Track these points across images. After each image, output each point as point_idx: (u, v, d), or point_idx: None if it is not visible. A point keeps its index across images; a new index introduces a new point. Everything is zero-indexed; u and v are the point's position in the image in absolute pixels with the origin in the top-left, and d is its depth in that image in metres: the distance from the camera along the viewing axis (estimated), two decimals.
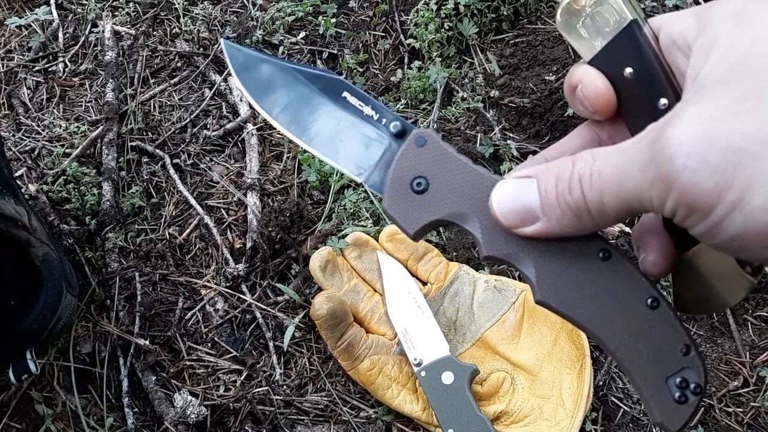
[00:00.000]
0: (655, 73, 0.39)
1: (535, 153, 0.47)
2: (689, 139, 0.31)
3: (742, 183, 0.29)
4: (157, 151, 1.07)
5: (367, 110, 0.47)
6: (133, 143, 1.08)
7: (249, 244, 0.97)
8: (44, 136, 1.08)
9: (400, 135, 0.46)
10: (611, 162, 0.35)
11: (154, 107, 1.13)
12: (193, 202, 1.02)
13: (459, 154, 0.44)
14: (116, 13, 1.25)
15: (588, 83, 0.42)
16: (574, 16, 0.42)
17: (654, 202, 0.33)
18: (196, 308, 0.93)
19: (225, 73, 1.17)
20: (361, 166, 0.46)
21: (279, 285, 0.93)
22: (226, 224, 1.01)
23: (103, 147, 1.05)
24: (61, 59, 1.19)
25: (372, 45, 1.23)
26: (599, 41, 0.42)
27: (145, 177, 1.04)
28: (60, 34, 1.22)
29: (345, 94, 0.48)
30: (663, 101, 0.39)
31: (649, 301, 0.40)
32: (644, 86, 0.40)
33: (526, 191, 0.39)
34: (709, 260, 0.40)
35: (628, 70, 0.40)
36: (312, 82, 0.48)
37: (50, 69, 1.18)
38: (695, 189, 0.31)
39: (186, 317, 0.92)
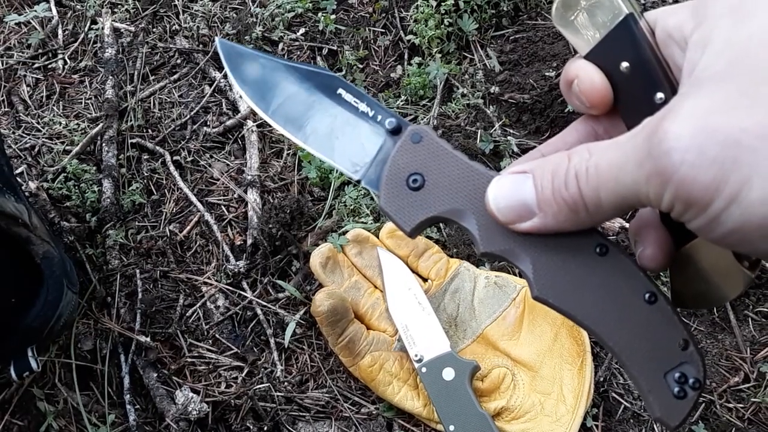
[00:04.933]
0: (652, 67, 0.39)
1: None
2: (686, 133, 0.31)
3: (740, 177, 0.29)
4: (157, 148, 1.07)
5: (363, 107, 0.47)
6: (133, 140, 1.08)
7: (249, 241, 0.97)
8: (44, 134, 1.08)
9: (396, 132, 0.46)
10: (607, 156, 0.35)
11: (154, 104, 1.13)
12: (193, 199, 1.02)
13: (455, 150, 0.44)
14: (116, 10, 1.25)
15: (584, 78, 0.42)
16: (570, 10, 0.42)
17: (651, 196, 0.33)
18: (197, 305, 0.93)
19: (225, 69, 1.17)
20: (357, 163, 0.46)
21: (280, 282, 0.93)
22: (226, 221, 1.01)
23: (103, 144, 1.05)
24: (60, 56, 1.19)
25: (372, 41, 1.23)
26: (595, 36, 0.41)
27: (146, 174, 1.04)
28: (59, 31, 1.22)
29: (340, 90, 0.47)
30: (659, 95, 0.39)
31: (647, 296, 0.40)
32: (640, 80, 0.40)
33: (522, 187, 0.39)
34: (707, 254, 0.40)
35: (624, 65, 0.40)
36: (307, 79, 0.48)
37: (50, 66, 1.18)
38: (693, 183, 0.30)
39: (187, 314, 0.92)
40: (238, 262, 0.95)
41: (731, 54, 0.33)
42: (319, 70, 0.48)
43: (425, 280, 0.93)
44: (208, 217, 1.00)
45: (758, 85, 0.31)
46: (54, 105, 1.13)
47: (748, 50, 0.32)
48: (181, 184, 1.03)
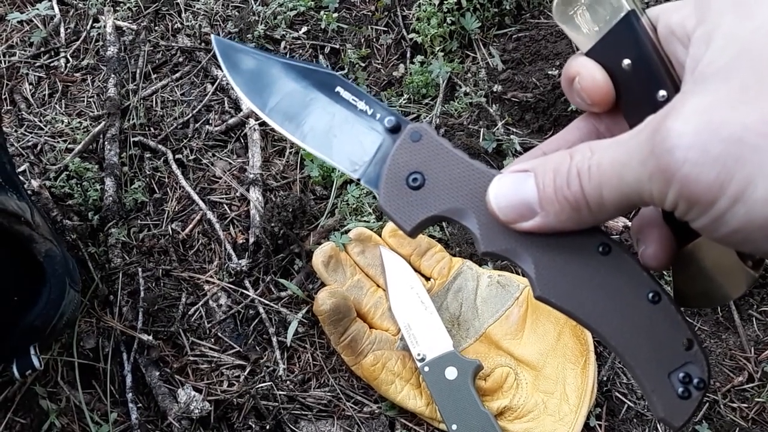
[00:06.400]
0: (654, 64, 0.39)
1: None
2: (689, 130, 0.30)
3: (744, 175, 0.29)
4: (160, 146, 1.07)
5: (361, 105, 0.47)
6: (136, 139, 1.08)
7: (252, 240, 0.97)
8: (46, 132, 1.08)
9: (395, 130, 0.45)
10: (610, 155, 0.35)
11: (156, 102, 1.13)
12: (195, 197, 1.02)
13: (455, 148, 0.44)
14: (118, 8, 1.25)
15: (585, 75, 0.41)
16: (570, 6, 0.42)
17: (654, 195, 0.32)
18: (199, 304, 0.93)
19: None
20: (356, 162, 0.46)
21: (282, 280, 0.93)
22: (228, 220, 1.01)
23: (106, 142, 1.05)
24: (62, 54, 1.19)
25: (374, 40, 1.22)
26: (597, 32, 0.41)
27: (148, 172, 1.04)
28: (61, 30, 1.22)
29: (338, 89, 0.47)
30: (662, 93, 0.38)
31: (650, 295, 0.40)
32: (643, 78, 0.39)
33: (523, 185, 0.39)
34: (710, 253, 0.40)
35: (626, 62, 0.40)
36: (305, 77, 0.47)
37: (52, 64, 1.18)
38: (696, 181, 0.30)
39: (189, 312, 0.92)
40: (240, 261, 0.95)
41: (735, 49, 0.32)
42: (317, 68, 0.48)
43: (428, 279, 0.93)
44: (210, 215, 1.00)
45: (761, 80, 0.30)
46: (56, 103, 1.13)
47: (752, 45, 0.32)
48: (184, 182, 1.03)
